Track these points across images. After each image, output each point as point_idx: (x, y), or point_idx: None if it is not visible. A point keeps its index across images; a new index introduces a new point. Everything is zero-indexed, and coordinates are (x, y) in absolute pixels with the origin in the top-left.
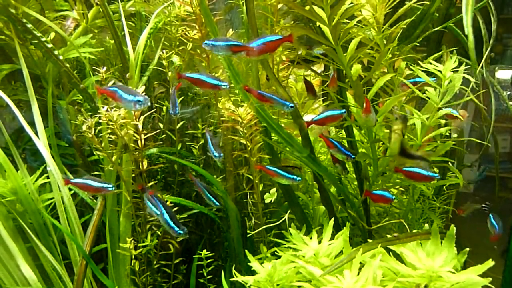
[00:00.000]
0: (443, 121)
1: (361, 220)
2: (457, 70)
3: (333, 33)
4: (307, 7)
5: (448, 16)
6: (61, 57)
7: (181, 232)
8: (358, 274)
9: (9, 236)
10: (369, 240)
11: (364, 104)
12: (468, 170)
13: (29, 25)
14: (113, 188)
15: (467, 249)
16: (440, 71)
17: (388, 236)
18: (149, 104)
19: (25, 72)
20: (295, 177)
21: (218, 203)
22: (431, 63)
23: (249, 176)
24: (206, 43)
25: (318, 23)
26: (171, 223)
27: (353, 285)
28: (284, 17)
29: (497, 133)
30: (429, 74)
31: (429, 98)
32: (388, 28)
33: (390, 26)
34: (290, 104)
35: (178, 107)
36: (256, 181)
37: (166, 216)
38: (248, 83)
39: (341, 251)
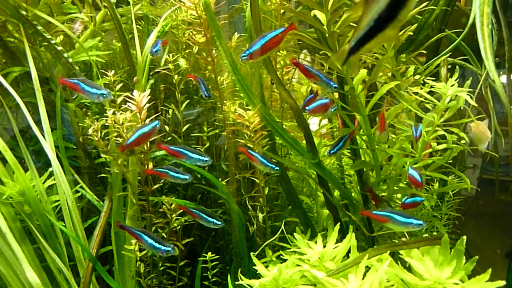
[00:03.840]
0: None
1: (364, 225)
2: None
3: (332, 40)
4: (312, 13)
5: (445, 22)
6: (70, 60)
7: (169, 249)
8: (363, 278)
9: (16, 238)
10: (375, 246)
11: (379, 122)
12: (469, 173)
13: (40, 28)
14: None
15: (476, 257)
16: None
17: (394, 241)
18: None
19: (34, 74)
20: (273, 166)
21: (219, 222)
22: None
23: (253, 179)
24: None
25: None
26: (156, 244)
27: None
28: (288, 21)
29: (499, 137)
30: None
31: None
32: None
33: None
34: (334, 84)
35: (209, 90)
36: (262, 185)
37: (149, 240)
38: (252, 87)
39: (347, 255)
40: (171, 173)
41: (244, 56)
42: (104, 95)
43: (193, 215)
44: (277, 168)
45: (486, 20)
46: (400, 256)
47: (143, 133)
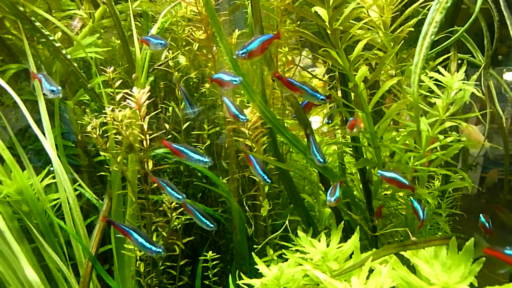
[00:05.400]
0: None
1: (367, 223)
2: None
3: (334, 37)
4: (313, 9)
5: (454, 18)
6: (68, 57)
7: (159, 250)
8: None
9: (14, 237)
10: (381, 246)
11: (349, 123)
12: (471, 171)
13: (38, 24)
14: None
15: (483, 258)
16: (443, 81)
17: (395, 239)
18: (61, 95)
19: (34, 71)
20: (265, 177)
21: (212, 225)
22: (439, 71)
23: (254, 177)
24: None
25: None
26: (147, 244)
27: None
28: (289, 16)
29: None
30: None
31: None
32: (391, 33)
33: (394, 30)
34: (321, 96)
35: (193, 105)
36: (262, 183)
37: (140, 239)
38: (253, 84)
39: (350, 256)
40: (168, 189)
41: (243, 53)
42: (54, 92)
43: (189, 211)
44: (269, 180)
45: (432, 29)
46: (405, 256)
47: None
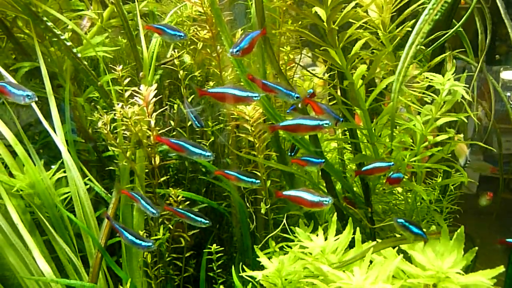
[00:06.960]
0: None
1: (366, 218)
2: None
3: (332, 36)
4: (313, 10)
5: (451, 18)
6: (79, 55)
7: (150, 244)
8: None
9: (26, 229)
10: (379, 240)
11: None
12: (470, 171)
13: (50, 24)
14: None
15: (476, 248)
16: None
17: (395, 234)
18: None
19: (43, 70)
20: (254, 180)
21: (206, 221)
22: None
23: (255, 172)
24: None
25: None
26: (137, 240)
27: (362, 282)
28: (290, 16)
29: (495, 135)
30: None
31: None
32: (389, 33)
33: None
34: (296, 95)
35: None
36: (264, 178)
37: (130, 237)
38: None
39: (348, 247)
40: (143, 202)
41: (237, 51)
42: (29, 97)
43: (179, 215)
44: (258, 181)
45: (419, 39)
46: (400, 248)
47: None
